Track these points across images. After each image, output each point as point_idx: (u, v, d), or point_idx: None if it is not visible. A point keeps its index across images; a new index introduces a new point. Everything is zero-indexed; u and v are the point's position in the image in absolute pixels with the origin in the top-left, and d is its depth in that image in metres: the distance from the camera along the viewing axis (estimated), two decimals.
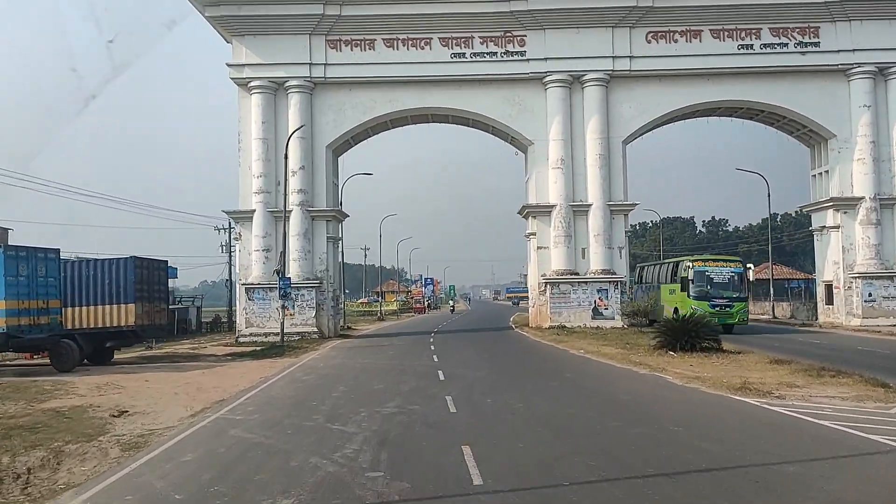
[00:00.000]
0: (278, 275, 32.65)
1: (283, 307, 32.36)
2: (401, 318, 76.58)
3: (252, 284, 37.07)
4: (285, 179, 36.21)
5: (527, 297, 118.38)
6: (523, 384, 16.69)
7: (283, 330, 32.23)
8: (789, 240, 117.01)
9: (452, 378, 18.31)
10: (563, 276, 37.67)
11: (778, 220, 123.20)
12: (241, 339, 36.25)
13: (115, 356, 28.47)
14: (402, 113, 38.66)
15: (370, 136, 41.14)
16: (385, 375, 19.59)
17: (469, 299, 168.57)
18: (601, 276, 37.52)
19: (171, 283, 66.41)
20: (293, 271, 37.34)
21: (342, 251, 48.58)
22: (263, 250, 37.15)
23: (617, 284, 37.78)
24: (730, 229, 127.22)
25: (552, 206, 37.91)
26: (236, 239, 38.10)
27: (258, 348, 31.52)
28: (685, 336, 20.66)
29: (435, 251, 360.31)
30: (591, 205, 37.82)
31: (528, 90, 38.34)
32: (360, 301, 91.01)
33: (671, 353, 20.61)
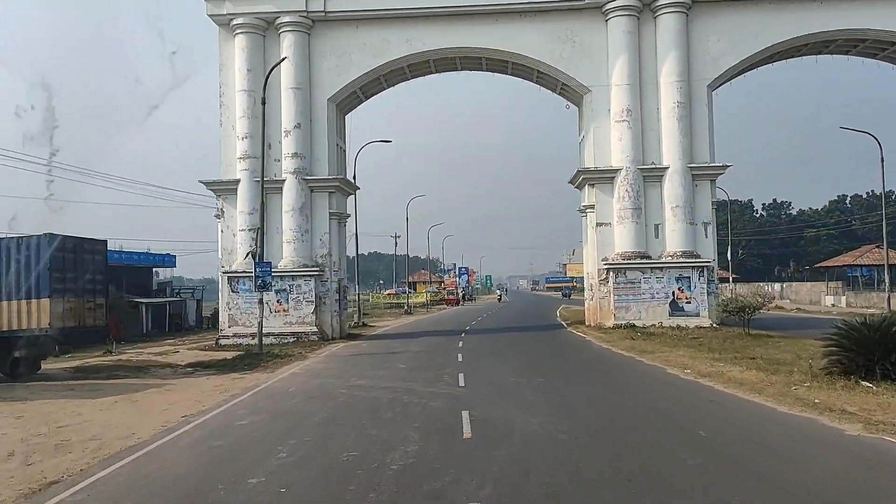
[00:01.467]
0: (253, 259, 24.90)
1: (262, 301, 24.56)
2: (430, 311, 68.70)
3: (236, 273, 29.43)
4: (261, 142, 28.40)
5: (572, 288, 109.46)
6: (630, 463, 8.52)
7: (260, 332, 24.43)
8: (861, 223, 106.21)
9: (486, 431, 10.28)
10: (632, 261, 29.24)
11: (847, 202, 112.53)
12: (223, 342, 28.72)
13: (49, 365, 21.57)
14: (422, 56, 30.50)
15: (384, 89, 33.07)
16: (373, 420, 11.62)
17: (506, 290, 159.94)
18: (681, 260, 29.01)
19: (168, 273, 59.69)
20: (286, 255, 29.67)
21: (356, 234, 40.83)
22: (250, 230, 29.47)
23: (702, 271, 29.21)
24: (793, 212, 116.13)
25: (616, 171, 29.47)
26: (218, 216, 30.47)
27: (239, 353, 23.97)
28: (888, 354, 12.15)
29: (468, 238, 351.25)
30: (666, 168, 29.29)
31: (584, 22, 29.89)
32: (387, 292, 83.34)
33: (864, 382, 12.15)
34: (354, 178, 38.88)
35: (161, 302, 42.26)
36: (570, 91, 31.60)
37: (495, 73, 32.82)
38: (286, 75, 29.71)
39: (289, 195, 29.70)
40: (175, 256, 50.20)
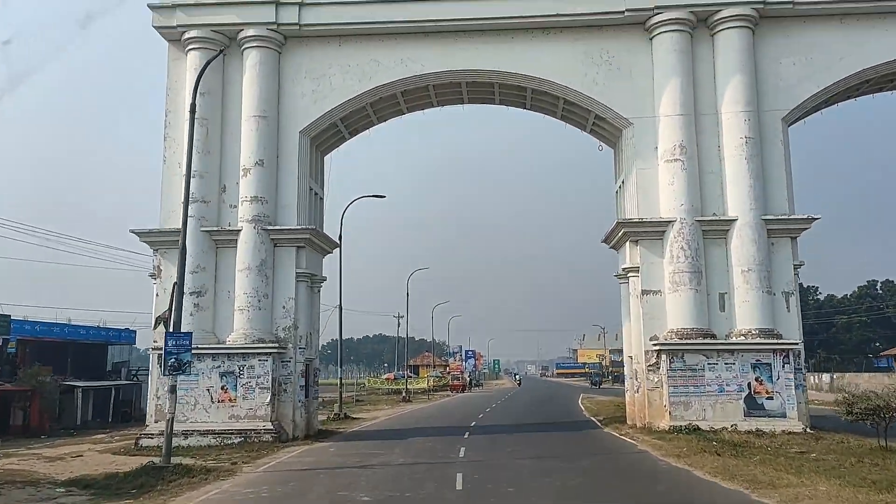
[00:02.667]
0: (165, 327, 17.95)
1: (173, 390, 17.31)
2: (433, 397, 60.86)
3: None
4: (216, 182, 21.98)
5: (601, 375, 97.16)
6: None
7: (168, 434, 16.96)
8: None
9: None
10: (692, 341, 22.11)
11: (878, 287, 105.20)
12: (145, 441, 21.51)
13: None
14: (420, 80, 24.38)
15: (373, 124, 26.84)
16: None
17: (517, 376, 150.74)
18: (758, 341, 21.91)
19: (127, 350, 52.47)
20: (238, 327, 22.78)
21: (340, 305, 33.94)
22: (193, 293, 22.73)
23: (786, 355, 22.00)
24: (821, 297, 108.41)
25: (667, 223, 22.77)
26: (153, 276, 23.70)
27: (153, 461, 16.74)
28: None
29: (475, 318, 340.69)
30: (733, 220, 22.59)
31: (623, 41, 23.89)
32: (385, 377, 75.59)
33: None
34: (340, 238, 32.38)
35: (104, 386, 35.05)
36: (604, 128, 25.29)
37: (510, 107, 26.62)
38: (249, 101, 23.62)
39: (245, 250, 23.04)
40: (135, 332, 43.33)
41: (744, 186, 22.53)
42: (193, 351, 21.38)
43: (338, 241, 27.32)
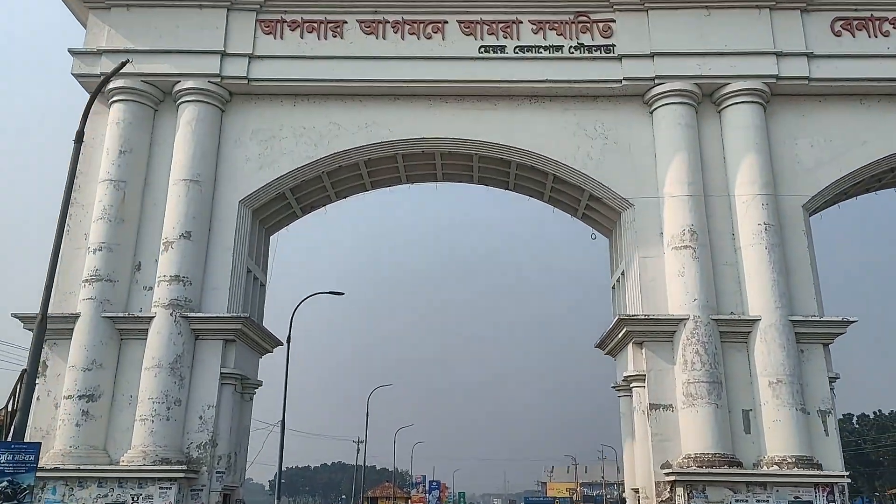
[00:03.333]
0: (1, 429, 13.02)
1: None
2: None
3: (50, 472, 17.08)
4: (130, 260, 17.73)
5: None
6: None
7: None
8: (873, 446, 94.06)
9: None
10: (715, 471, 17.54)
11: (854, 421, 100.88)
12: None
13: None
14: (386, 148, 20.82)
15: (330, 201, 23.00)
16: None
17: None
18: (796, 472, 17.45)
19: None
20: (136, 442, 17.76)
21: (283, 420, 28.78)
22: (84, 397, 17.79)
23: (831, 491, 17.53)
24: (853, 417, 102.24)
25: (678, 322, 18.78)
26: (38, 376, 18.67)
27: None
28: None
29: (437, 444, 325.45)
30: (755, 321, 18.72)
31: (620, 112, 20.86)
32: None
33: None
34: (289, 341, 27.79)
35: None
36: (598, 211, 21.79)
37: (490, 188, 23.09)
38: (180, 162, 19.74)
39: (156, 341, 18.35)
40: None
41: (766, 280, 18.84)
42: (73, 474, 16.35)
43: (281, 340, 22.69)
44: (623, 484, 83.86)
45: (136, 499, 17.21)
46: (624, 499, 21.67)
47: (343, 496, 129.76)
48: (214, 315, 18.86)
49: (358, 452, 59.22)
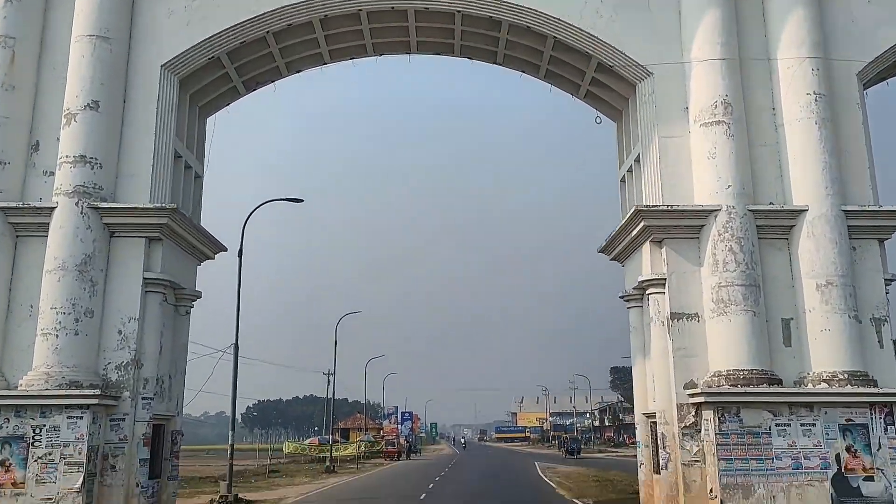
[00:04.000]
0: None
1: None
2: (363, 467, 51.45)
3: None
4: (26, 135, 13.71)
5: (579, 441, 76.53)
6: None
7: None
8: None
9: None
10: (752, 390, 14.46)
11: None
12: None
13: None
14: (347, 6, 16.72)
15: (281, 76, 18.81)
16: None
17: (463, 440, 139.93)
18: (849, 390, 14.45)
19: None
20: (38, 361, 14.11)
21: (236, 342, 25.36)
22: None
23: (890, 412, 14.64)
24: None
25: (708, 213, 15.38)
26: None
27: None
28: None
29: (409, 375, 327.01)
30: (801, 211, 15.40)
31: None
32: (308, 441, 65.71)
33: None
34: (241, 252, 24.14)
35: None
36: (607, 86, 18.02)
37: (474, 61, 19.12)
38: (85, 13, 15.50)
39: (59, 238, 14.52)
40: None
41: (816, 162, 15.44)
42: None
43: (224, 245, 18.93)
44: (593, 413, 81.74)
45: (38, 431, 13.70)
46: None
47: (315, 428, 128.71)
48: (131, 206, 15.00)
49: (329, 384, 56.41)
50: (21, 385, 13.96)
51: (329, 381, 57.60)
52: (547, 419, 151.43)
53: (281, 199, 26.02)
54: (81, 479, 13.46)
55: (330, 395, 57.22)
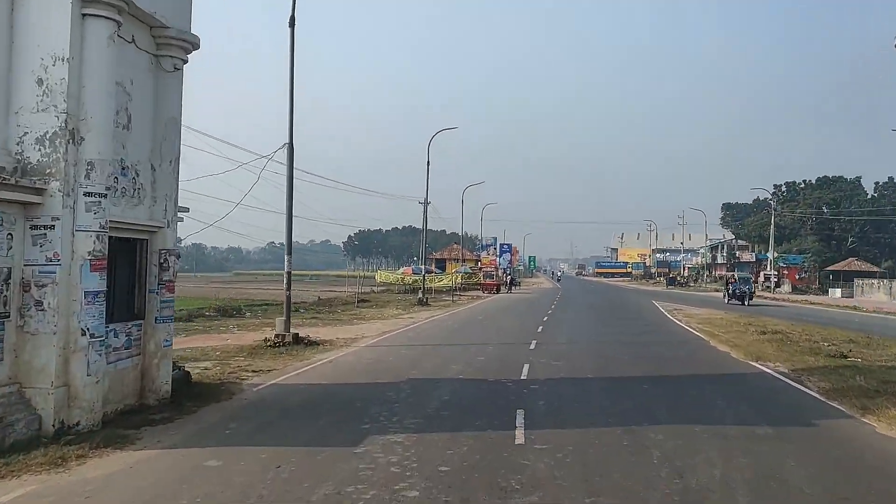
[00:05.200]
0: None
1: None
2: (458, 300, 46.99)
3: None
4: None
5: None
6: None
7: None
8: None
9: None
10: None
11: None
12: None
13: None
14: None
15: None
16: None
17: (554, 274, 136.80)
18: None
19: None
20: None
21: (290, 136, 19.31)
22: None
23: None
24: None
25: None
26: None
27: None
28: None
29: (507, 207, 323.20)
30: None
31: None
32: (402, 271, 61.99)
33: None
34: (292, 20, 17.39)
35: None
36: None
37: None
38: None
39: None
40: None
41: None
42: None
43: None
44: (705, 250, 71.23)
45: None
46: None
47: (414, 259, 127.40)
48: None
49: (425, 214, 51.04)
50: None
51: (425, 210, 52.47)
52: (651, 254, 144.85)
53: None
54: None
55: (424, 225, 52.29)
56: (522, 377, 13.96)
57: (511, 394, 12.12)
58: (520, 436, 8.99)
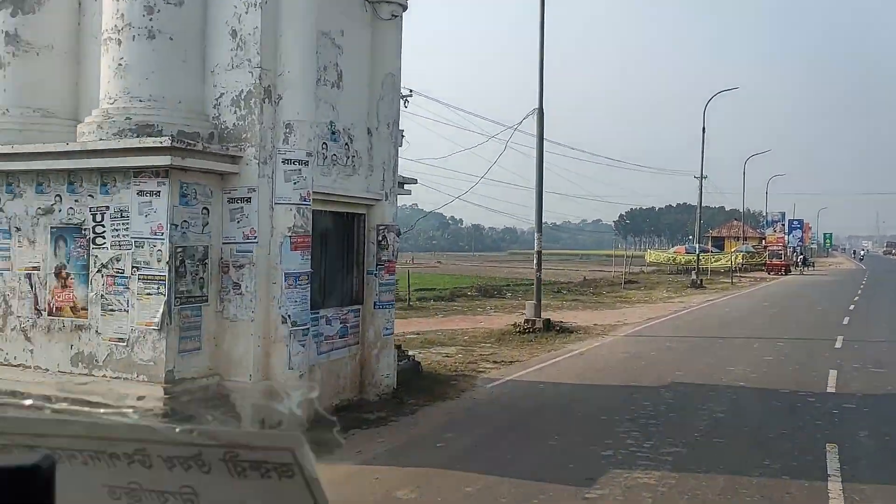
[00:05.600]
0: None
1: None
2: (740, 282, 41.60)
3: None
4: None
5: None
6: None
7: None
8: None
9: None
10: None
11: None
12: None
13: None
14: None
15: None
16: None
17: (857, 253, 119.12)
18: None
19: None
20: (106, 92, 7.61)
21: (540, 80, 17.41)
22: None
23: None
24: None
25: None
26: None
27: None
28: None
29: (797, 177, 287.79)
30: None
31: None
32: (674, 250, 57.32)
33: None
34: None
35: None
36: None
37: None
38: None
39: None
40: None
41: None
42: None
43: None
44: None
45: (99, 216, 7.54)
46: None
47: (690, 237, 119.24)
48: None
49: (701, 189, 46.19)
50: (82, 134, 7.81)
51: (701, 183, 47.43)
52: None
53: None
54: (162, 307, 7.08)
55: (700, 199, 47.23)
56: (829, 389, 10.65)
57: (815, 415, 9.02)
58: (835, 492, 6.14)
